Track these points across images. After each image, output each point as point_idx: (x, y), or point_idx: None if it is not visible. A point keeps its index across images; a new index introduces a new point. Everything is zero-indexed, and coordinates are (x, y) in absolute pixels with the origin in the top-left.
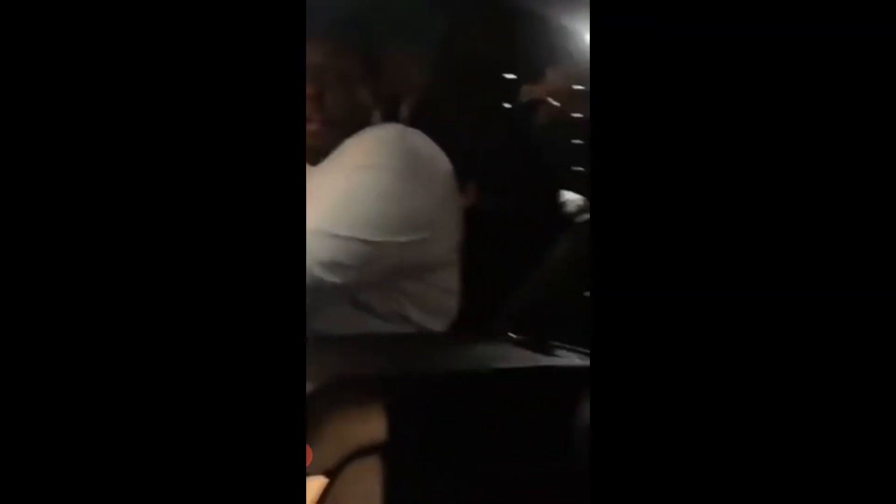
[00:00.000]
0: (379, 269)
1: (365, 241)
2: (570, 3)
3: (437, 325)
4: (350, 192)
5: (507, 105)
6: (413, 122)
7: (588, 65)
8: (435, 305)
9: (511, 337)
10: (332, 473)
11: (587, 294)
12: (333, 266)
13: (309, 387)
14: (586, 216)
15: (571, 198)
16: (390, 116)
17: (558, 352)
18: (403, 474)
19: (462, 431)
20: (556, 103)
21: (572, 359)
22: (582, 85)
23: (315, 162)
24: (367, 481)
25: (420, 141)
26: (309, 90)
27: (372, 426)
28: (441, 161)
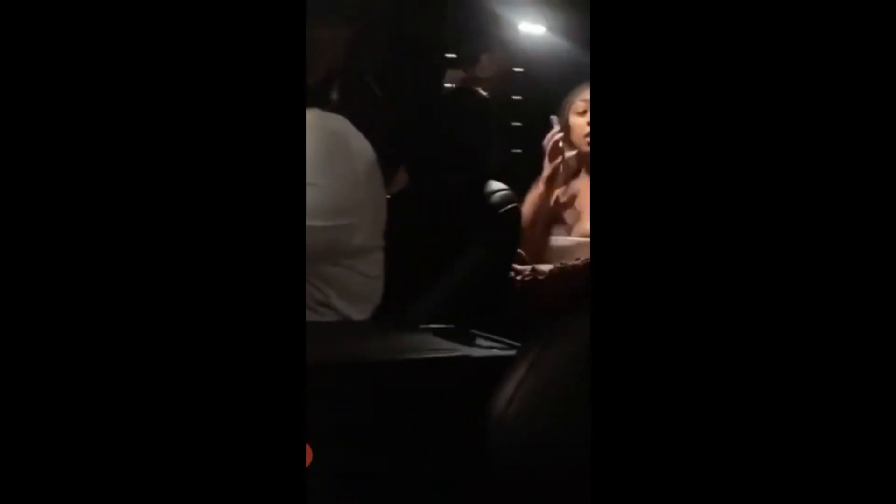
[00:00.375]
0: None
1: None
2: None
3: (360, 312)
4: None
5: (440, 88)
6: (341, 104)
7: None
8: (358, 292)
9: (428, 327)
10: None
11: (509, 279)
12: None
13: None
14: (513, 205)
15: (499, 187)
16: (319, 98)
17: (479, 341)
18: (318, 462)
19: (378, 421)
20: (483, 92)
21: (492, 349)
22: (521, 68)
23: None
24: None
25: (341, 126)
26: None
27: None
28: (363, 146)
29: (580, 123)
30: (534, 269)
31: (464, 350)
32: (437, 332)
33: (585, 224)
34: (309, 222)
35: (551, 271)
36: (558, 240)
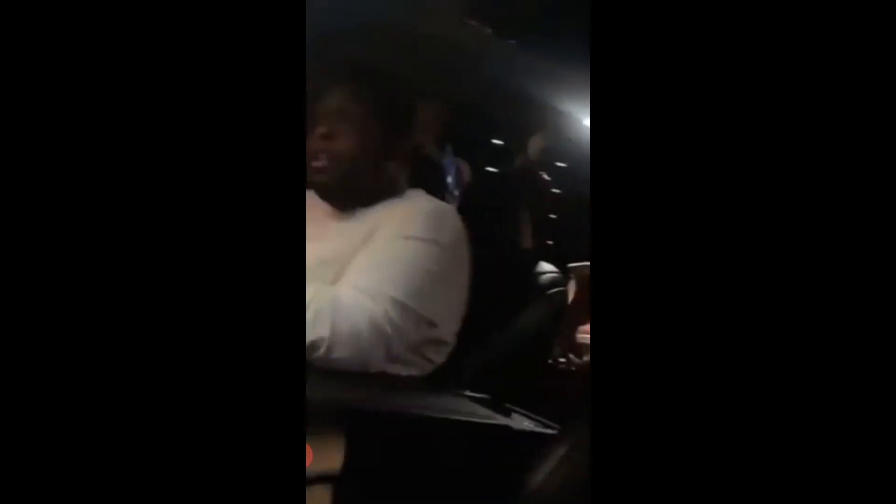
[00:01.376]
0: (412, 344)
1: (419, 316)
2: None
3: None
4: (411, 263)
5: (494, 169)
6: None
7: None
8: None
9: (468, 395)
10: None
11: (550, 362)
12: (394, 333)
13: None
14: (560, 289)
15: (549, 268)
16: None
17: (514, 415)
18: None
19: (413, 472)
20: (546, 177)
21: (526, 424)
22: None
23: (329, 197)
24: None
25: (461, 225)
26: (320, 130)
27: (330, 455)
28: (465, 246)
29: None
30: (569, 358)
31: (502, 420)
32: (474, 400)
33: None
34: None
35: (586, 364)
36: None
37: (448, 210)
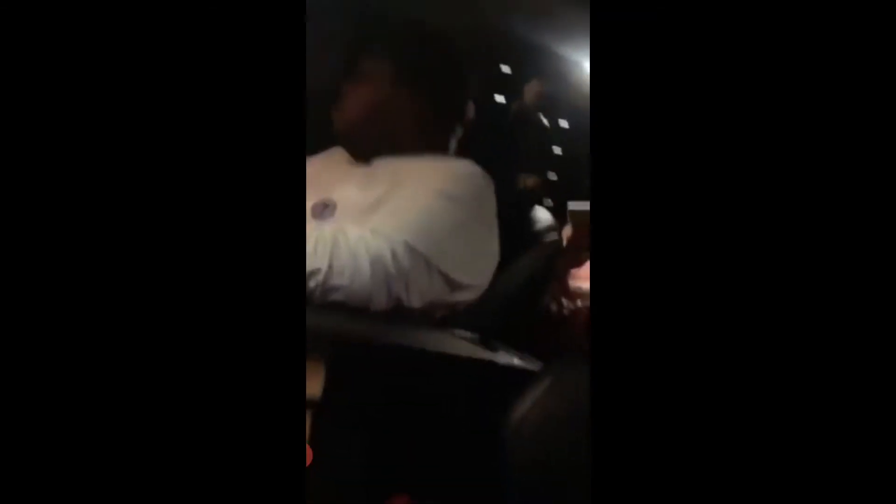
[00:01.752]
0: (424, 294)
1: (432, 266)
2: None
3: None
4: (434, 216)
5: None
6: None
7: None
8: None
9: (457, 333)
10: None
11: (543, 308)
12: (398, 273)
13: None
14: (555, 235)
15: (545, 216)
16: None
17: (500, 352)
18: (328, 433)
19: (389, 409)
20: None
21: (511, 359)
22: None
23: (355, 149)
24: None
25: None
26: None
27: (311, 382)
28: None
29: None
30: (562, 304)
31: (487, 355)
32: (462, 338)
33: None
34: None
35: (579, 309)
36: (585, 283)
37: (485, 177)
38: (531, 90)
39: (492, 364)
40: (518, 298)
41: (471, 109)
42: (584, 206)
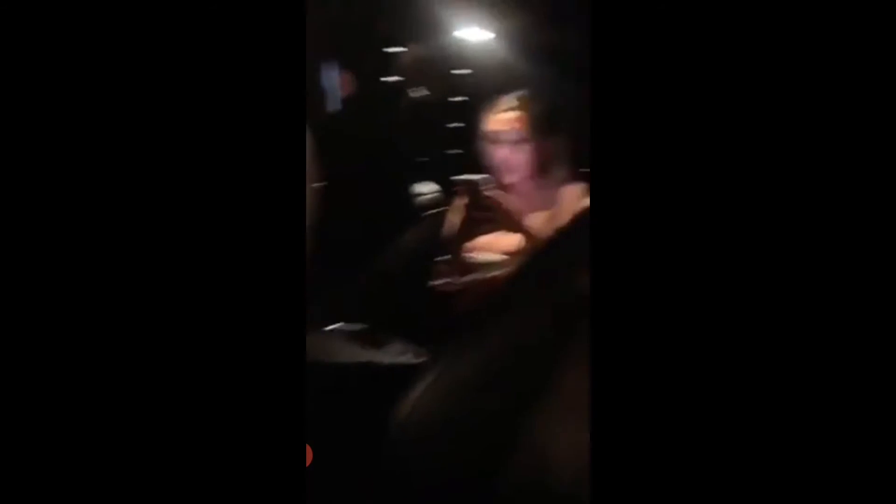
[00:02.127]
0: None
1: None
2: None
3: None
4: None
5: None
6: None
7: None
8: None
9: (342, 328)
10: None
11: (431, 283)
12: None
13: None
14: (441, 209)
15: (430, 189)
16: None
17: (386, 347)
18: None
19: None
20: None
21: (396, 356)
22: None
23: None
24: None
25: None
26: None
27: None
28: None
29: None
30: (452, 279)
31: (369, 356)
32: (345, 334)
33: (506, 241)
34: None
35: (469, 282)
36: (478, 255)
37: None
38: (407, 57)
39: (372, 365)
40: (402, 277)
41: (349, 80)
42: (473, 178)
